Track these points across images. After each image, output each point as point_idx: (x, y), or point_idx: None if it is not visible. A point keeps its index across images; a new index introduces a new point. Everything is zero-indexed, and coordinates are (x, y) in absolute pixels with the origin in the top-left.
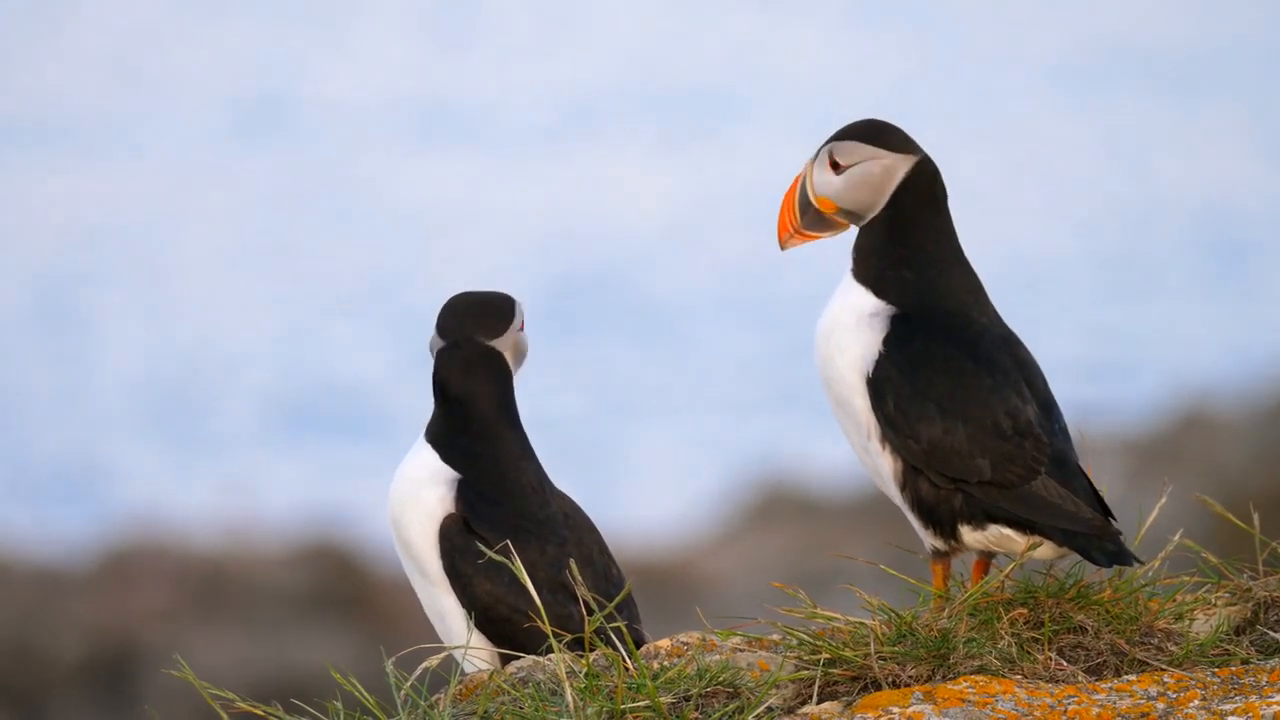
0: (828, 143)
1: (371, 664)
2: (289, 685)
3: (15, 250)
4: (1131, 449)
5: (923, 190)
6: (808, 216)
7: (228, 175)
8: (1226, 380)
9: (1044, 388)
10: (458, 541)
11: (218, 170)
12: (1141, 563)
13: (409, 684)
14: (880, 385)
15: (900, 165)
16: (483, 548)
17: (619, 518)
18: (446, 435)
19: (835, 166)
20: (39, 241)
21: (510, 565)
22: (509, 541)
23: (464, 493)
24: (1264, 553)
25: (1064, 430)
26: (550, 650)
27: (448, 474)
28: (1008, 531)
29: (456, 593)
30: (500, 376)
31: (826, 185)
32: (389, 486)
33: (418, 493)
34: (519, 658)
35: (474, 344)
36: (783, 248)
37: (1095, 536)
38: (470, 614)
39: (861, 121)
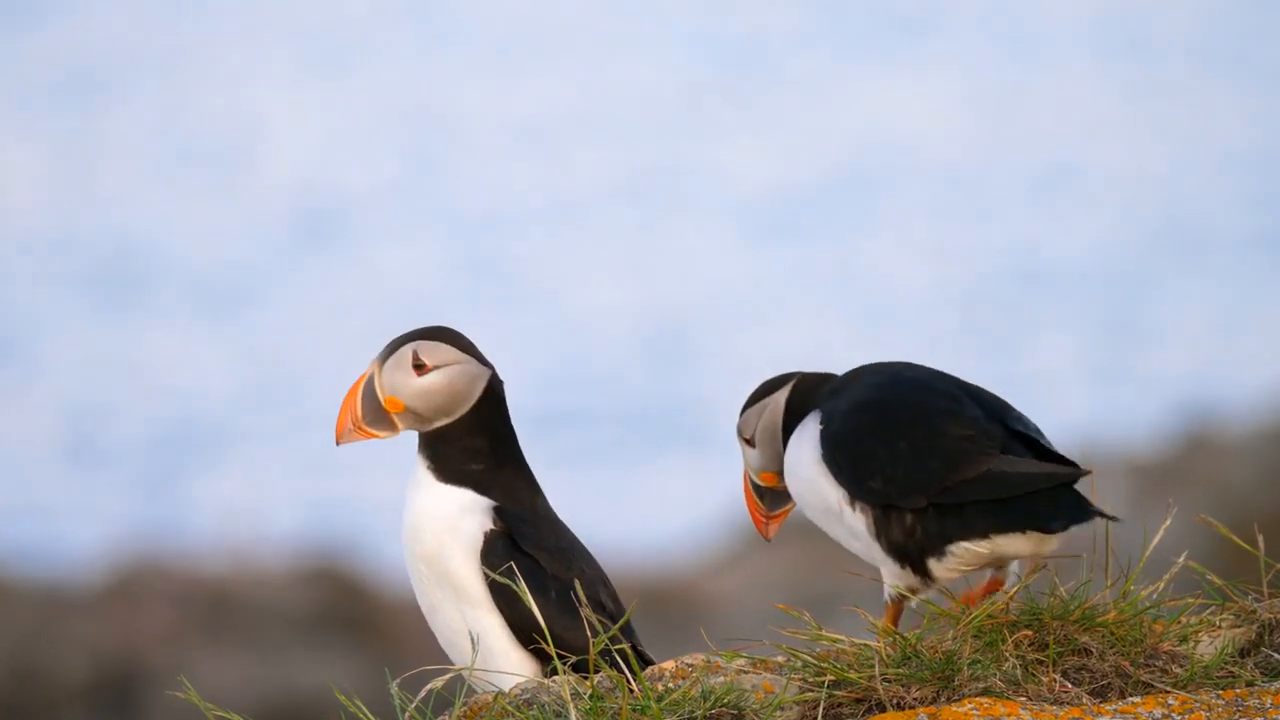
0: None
1: (376, 685)
2: (293, 707)
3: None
4: (1136, 470)
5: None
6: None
7: (228, 189)
8: (1231, 402)
9: (992, 398)
10: (505, 557)
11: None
12: (1106, 515)
13: (413, 706)
14: (832, 457)
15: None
16: (492, 576)
17: (624, 538)
18: (465, 468)
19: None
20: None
21: (557, 581)
22: (555, 558)
23: (504, 515)
24: (1269, 574)
25: (1034, 428)
26: (592, 666)
27: (483, 502)
28: (969, 545)
29: (499, 606)
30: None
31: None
32: (409, 522)
33: (456, 522)
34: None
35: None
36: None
37: (1053, 492)
38: (512, 630)
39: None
